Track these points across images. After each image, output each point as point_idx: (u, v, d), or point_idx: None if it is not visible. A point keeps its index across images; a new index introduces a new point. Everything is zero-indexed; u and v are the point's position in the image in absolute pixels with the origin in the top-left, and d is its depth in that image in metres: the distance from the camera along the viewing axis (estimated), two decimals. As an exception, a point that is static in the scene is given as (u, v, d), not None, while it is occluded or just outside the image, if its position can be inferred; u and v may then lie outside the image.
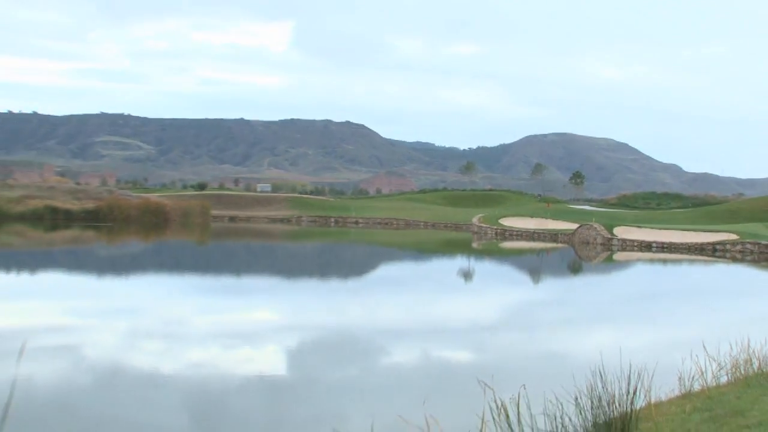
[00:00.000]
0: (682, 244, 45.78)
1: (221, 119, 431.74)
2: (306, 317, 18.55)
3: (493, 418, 6.35)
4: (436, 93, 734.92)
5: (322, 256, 45.87)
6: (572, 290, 28.87)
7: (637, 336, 16.80)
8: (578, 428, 6.66)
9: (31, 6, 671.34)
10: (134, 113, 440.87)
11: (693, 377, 8.89)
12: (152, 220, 61.84)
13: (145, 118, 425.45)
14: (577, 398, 6.76)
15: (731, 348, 9.85)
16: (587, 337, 16.79)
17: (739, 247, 43.42)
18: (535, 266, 39.79)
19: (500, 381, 7.02)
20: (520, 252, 50.16)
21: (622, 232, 50.37)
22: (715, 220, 60.05)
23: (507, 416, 6.41)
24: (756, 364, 9.41)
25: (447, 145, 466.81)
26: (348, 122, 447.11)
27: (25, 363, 11.37)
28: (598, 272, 37.56)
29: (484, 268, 38.48)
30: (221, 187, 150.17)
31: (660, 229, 50.58)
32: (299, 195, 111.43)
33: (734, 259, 40.63)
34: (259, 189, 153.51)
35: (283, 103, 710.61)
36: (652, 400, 7.26)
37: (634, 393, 6.71)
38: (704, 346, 9.64)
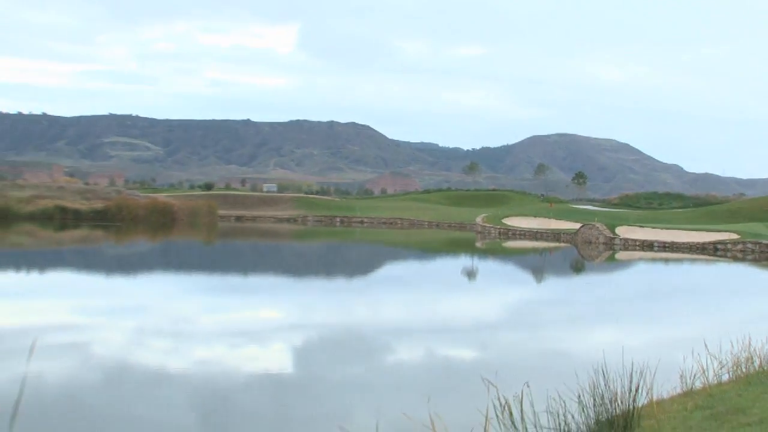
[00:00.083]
0: (683, 243, 45.71)
1: (228, 120, 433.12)
2: (312, 316, 18.64)
3: (497, 416, 6.45)
4: (440, 94, 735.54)
5: (327, 255, 45.95)
6: (575, 289, 28.87)
7: (639, 334, 16.84)
8: (581, 426, 6.73)
9: (41, 9, 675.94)
10: (142, 114, 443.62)
11: (695, 375, 8.95)
12: (160, 220, 61.97)
13: (153, 119, 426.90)
14: (580, 396, 6.84)
15: (732, 346, 9.91)
16: (590, 336, 16.85)
17: (740, 247, 43.36)
18: (538, 265, 39.81)
19: (504, 379, 7.12)
20: (523, 251, 50.17)
21: (624, 231, 50.31)
22: (716, 220, 59.84)
23: (510, 414, 6.51)
24: (757, 363, 9.47)
25: (451, 146, 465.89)
26: (353, 123, 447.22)
27: (36, 361, 11.50)
28: (601, 271, 37.56)
29: (488, 267, 38.51)
30: (228, 187, 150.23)
31: (662, 228, 50.48)
32: (305, 195, 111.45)
33: (735, 259, 40.56)
34: (265, 189, 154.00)
35: (289, 104, 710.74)
36: (654, 398, 7.30)
37: (637, 391, 6.77)
38: (706, 345, 9.72)
